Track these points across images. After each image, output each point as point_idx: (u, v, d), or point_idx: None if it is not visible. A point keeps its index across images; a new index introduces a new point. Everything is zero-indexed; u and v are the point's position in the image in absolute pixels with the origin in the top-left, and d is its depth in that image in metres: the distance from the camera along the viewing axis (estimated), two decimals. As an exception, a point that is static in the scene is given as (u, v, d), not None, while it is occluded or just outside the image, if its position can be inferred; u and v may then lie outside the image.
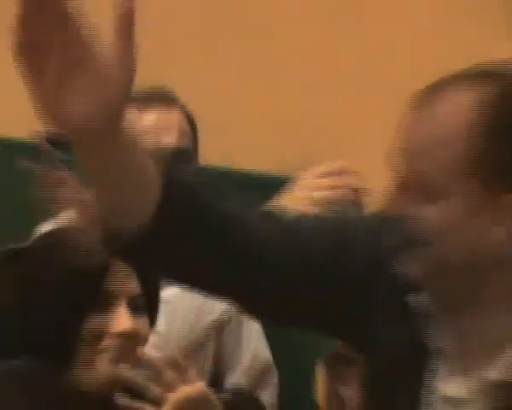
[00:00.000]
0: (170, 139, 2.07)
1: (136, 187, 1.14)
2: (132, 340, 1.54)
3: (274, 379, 2.12)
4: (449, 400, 1.23)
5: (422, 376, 1.24)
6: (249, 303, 1.31)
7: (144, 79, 1.74)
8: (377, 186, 1.30)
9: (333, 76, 2.60)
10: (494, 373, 1.16)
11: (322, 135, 2.55)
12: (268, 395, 2.10)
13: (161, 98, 2.12)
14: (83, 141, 1.05)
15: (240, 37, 2.76)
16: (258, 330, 2.16)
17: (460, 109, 1.12)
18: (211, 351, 2.09)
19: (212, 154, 2.34)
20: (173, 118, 2.12)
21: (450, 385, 1.22)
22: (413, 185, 1.14)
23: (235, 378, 2.10)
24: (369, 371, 1.32)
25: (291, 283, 1.25)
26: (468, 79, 1.13)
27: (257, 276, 1.24)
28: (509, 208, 1.12)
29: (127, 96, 1.04)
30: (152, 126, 2.07)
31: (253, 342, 2.17)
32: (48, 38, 0.99)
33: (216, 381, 2.04)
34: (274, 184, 1.92)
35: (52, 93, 1.01)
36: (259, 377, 2.11)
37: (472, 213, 1.15)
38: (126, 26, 0.99)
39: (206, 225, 1.17)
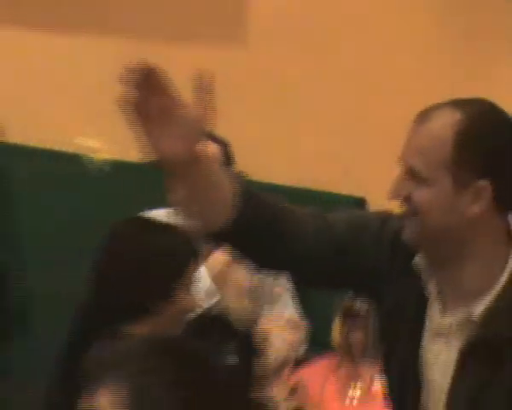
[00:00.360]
0: None
1: (213, 197, 1.34)
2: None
3: (302, 331, 2.40)
4: (439, 331, 1.42)
5: (424, 316, 1.43)
6: (301, 279, 1.59)
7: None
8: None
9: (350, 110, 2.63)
10: (477, 310, 1.35)
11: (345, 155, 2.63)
12: (297, 342, 2.38)
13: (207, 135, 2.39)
14: (172, 169, 1.28)
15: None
16: (290, 294, 2.43)
17: (442, 127, 1.33)
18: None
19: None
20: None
21: (442, 320, 1.41)
22: (412, 173, 1.34)
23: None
24: (384, 318, 1.51)
25: (330, 264, 1.46)
26: (445, 107, 1.34)
27: (306, 260, 1.45)
28: (481, 191, 1.31)
29: (199, 141, 1.26)
30: None
31: (287, 307, 2.43)
32: (150, 101, 1.21)
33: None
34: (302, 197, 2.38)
35: (151, 137, 1.24)
36: (292, 331, 2.39)
37: (454, 195, 1.33)
38: (201, 97, 1.21)
39: (269, 222, 1.39)
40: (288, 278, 2.36)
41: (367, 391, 2.30)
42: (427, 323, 1.42)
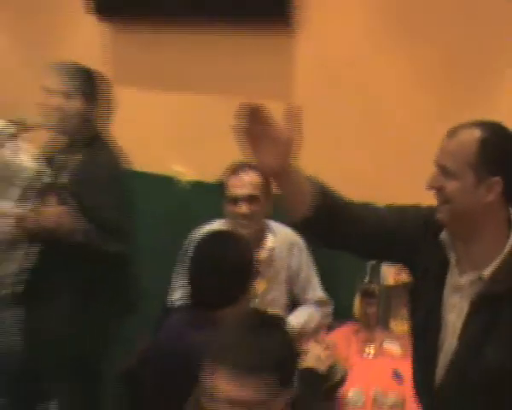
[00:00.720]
0: (244, 191, 2.44)
1: (298, 194, 1.50)
2: None
3: (329, 307, 2.59)
4: (457, 288, 1.55)
5: (445, 277, 1.57)
6: (359, 254, 1.71)
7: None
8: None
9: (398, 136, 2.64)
10: (486, 272, 1.49)
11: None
12: (325, 316, 2.56)
13: (245, 165, 2.45)
14: (273, 176, 1.46)
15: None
16: (318, 280, 2.59)
17: (466, 139, 1.47)
18: (284, 291, 2.53)
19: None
20: (249, 176, 2.45)
21: (459, 280, 1.54)
22: (444, 171, 1.48)
23: (305, 312, 2.52)
24: (415, 279, 1.65)
25: (380, 241, 1.61)
26: (469, 126, 1.49)
27: (363, 240, 1.60)
28: (494, 185, 1.45)
29: (290, 158, 1.41)
30: (239, 182, 2.44)
31: (316, 291, 2.59)
32: (256, 129, 1.38)
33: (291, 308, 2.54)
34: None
35: (256, 154, 1.40)
36: (320, 307, 2.57)
37: (475, 187, 1.46)
38: (291, 124, 1.38)
39: (338, 213, 1.54)
40: (314, 267, 2.60)
41: (378, 349, 2.44)
42: (447, 282, 1.57)
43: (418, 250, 1.60)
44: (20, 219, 2.43)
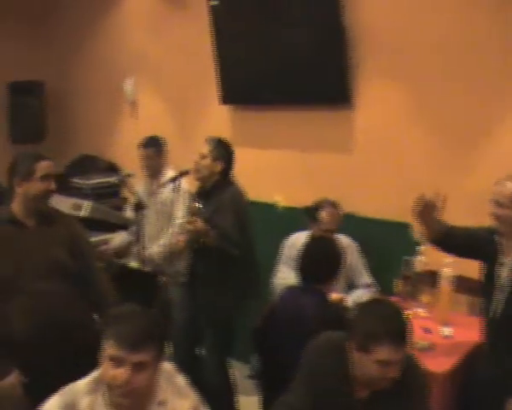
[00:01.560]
0: (331, 226, 2.81)
1: (436, 229, 2.17)
2: None
3: (374, 288, 2.96)
4: (503, 264, 2.16)
5: (497, 258, 2.17)
6: (460, 255, 2.28)
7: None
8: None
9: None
10: None
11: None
12: (373, 293, 2.91)
13: (329, 201, 2.87)
14: (426, 226, 2.15)
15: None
16: (365, 270, 2.97)
17: (508, 186, 2.07)
18: (343, 279, 2.87)
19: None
20: (335, 212, 2.89)
21: (504, 259, 2.14)
22: (498, 203, 2.09)
23: (359, 292, 2.92)
24: (484, 262, 2.24)
25: (469, 248, 2.22)
26: (508, 179, 2.09)
27: (463, 249, 2.23)
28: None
29: (437, 216, 2.14)
30: (329, 219, 2.84)
31: (365, 278, 2.98)
32: (426, 213, 2.10)
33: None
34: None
35: (421, 217, 2.10)
36: (368, 288, 2.95)
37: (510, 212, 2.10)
38: (440, 204, 2.09)
39: (450, 235, 2.21)
40: (364, 262, 3.00)
41: (413, 314, 2.74)
42: (498, 260, 2.16)
43: (486, 249, 2.18)
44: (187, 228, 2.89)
